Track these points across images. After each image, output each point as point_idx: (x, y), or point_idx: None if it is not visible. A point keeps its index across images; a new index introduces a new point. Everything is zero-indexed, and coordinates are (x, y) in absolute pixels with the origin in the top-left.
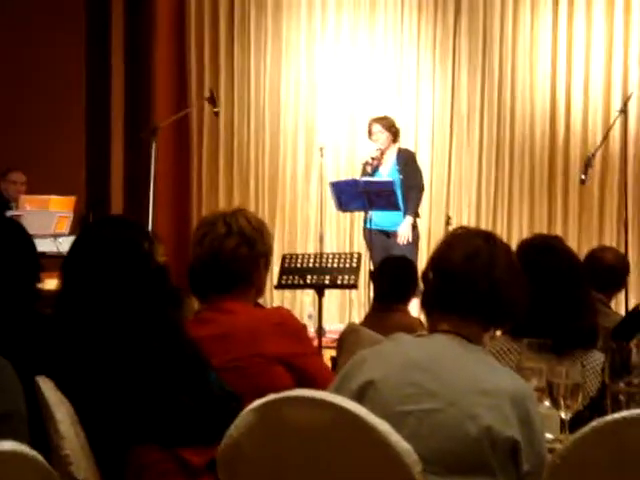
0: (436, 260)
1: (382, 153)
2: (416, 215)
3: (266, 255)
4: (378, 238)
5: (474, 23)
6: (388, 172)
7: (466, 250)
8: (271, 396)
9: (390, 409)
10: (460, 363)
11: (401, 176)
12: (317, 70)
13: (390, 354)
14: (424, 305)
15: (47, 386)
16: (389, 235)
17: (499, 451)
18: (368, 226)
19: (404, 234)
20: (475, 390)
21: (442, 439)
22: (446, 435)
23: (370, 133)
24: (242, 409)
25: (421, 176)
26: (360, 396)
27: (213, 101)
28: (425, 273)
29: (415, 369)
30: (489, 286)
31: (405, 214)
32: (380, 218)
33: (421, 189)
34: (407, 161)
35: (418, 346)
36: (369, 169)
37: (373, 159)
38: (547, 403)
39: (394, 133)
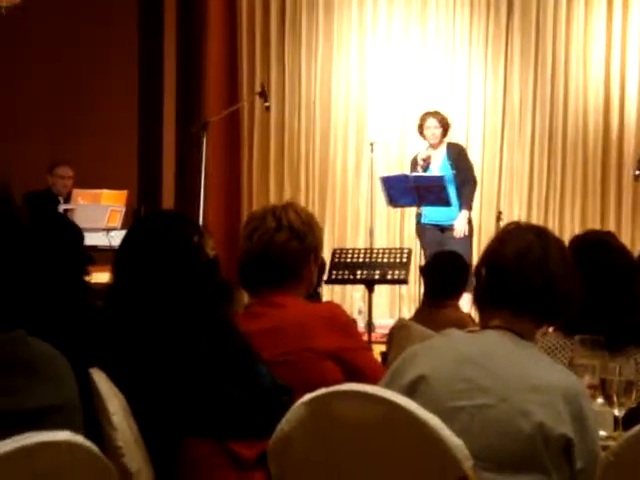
0: (488, 255)
1: (434, 148)
2: (470, 209)
3: (316, 249)
4: (432, 233)
5: (527, 19)
6: (439, 167)
7: (518, 245)
8: (321, 390)
9: (442, 404)
10: (512, 359)
11: (454, 171)
12: (368, 65)
13: (441, 349)
14: (476, 300)
15: (100, 378)
16: (443, 230)
17: (552, 448)
18: (422, 221)
19: (460, 228)
20: (527, 386)
21: (494, 435)
22: (498, 431)
23: (422, 127)
24: (293, 403)
25: (473, 170)
26: (411, 391)
27: (264, 96)
28: (478, 268)
29: (467, 364)
30: (542, 282)
31: (461, 208)
32: (434, 213)
33: (475, 183)
34: (459, 155)
35: (470, 341)
36: (420, 170)
37: (424, 160)
38: (600, 400)
39: (446, 129)
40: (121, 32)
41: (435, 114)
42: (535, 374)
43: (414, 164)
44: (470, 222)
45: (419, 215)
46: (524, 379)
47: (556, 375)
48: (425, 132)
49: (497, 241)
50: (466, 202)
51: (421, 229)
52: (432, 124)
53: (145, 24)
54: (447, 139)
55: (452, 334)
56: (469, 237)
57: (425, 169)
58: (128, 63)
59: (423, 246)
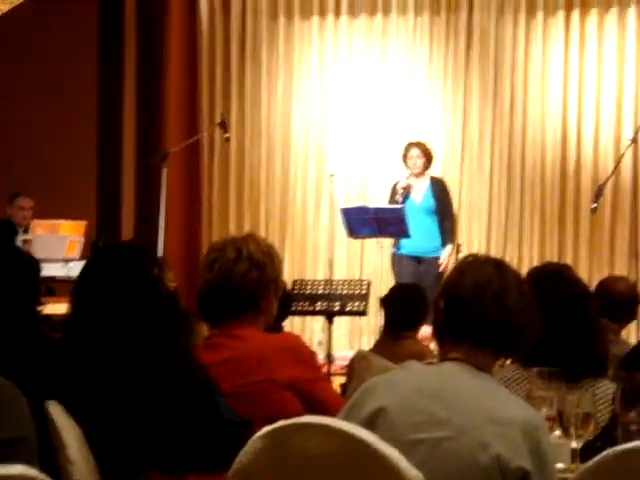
0: (447, 288)
1: (416, 177)
2: (454, 243)
3: (276, 280)
4: (409, 264)
5: (485, 52)
6: (421, 199)
7: (477, 278)
8: (280, 423)
9: (401, 437)
10: (471, 392)
11: (435, 204)
12: (328, 97)
13: (401, 382)
14: (435, 333)
15: (56, 410)
16: (420, 261)
17: None
18: (398, 251)
19: (444, 263)
20: (486, 419)
21: (453, 468)
22: (457, 464)
23: (405, 157)
24: (252, 435)
25: (453, 205)
26: (371, 423)
27: (224, 127)
28: (436, 300)
29: (426, 397)
30: (499, 314)
31: (445, 243)
32: (413, 244)
33: (454, 217)
34: (442, 190)
35: (429, 374)
36: (399, 199)
37: (403, 189)
38: (558, 432)
39: (429, 159)
40: (81, 64)
41: (418, 144)
42: (493, 407)
43: (393, 192)
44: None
45: (397, 245)
46: (483, 412)
47: (514, 408)
48: (408, 161)
49: (456, 273)
50: (450, 237)
51: (397, 259)
52: (415, 153)
53: (105, 56)
54: (430, 171)
55: (411, 366)
56: (444, 272)
57: (405, 198)
58: (88, 95)
59: (397, 276)
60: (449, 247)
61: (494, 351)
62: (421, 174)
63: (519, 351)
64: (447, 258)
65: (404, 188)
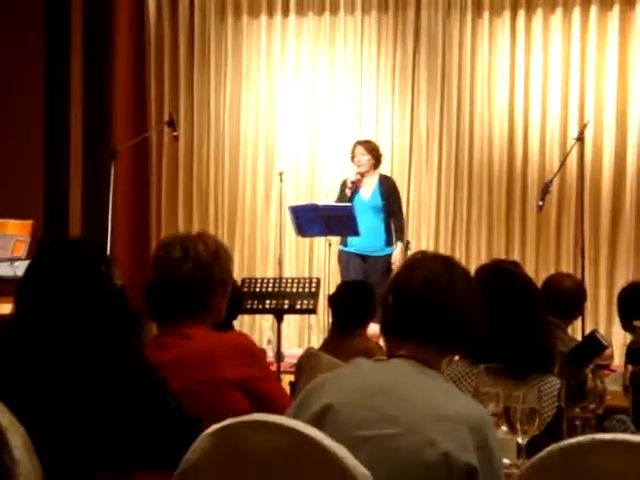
0: (395, 284)
1: (362, 176)
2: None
3: (223, 280)
4: (355, 262)
5: (433, 51)
6: (369, 196)
7: (425, 275)
8: (228, 421)
9: (349, 434)
10: (419, 389)
11: (383, 201)
12: (276, 95)
13: (349, 379)
14: (383, 329)
15: (1, 410)
16: (366, 259)
17: (456, 477)
18: (345, 249)
19: (396, 260)
20: (433, 416)
21: (401, 465)
22: (404, 461)
23: (353, 155)
24: (201, 434)
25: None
26: (319, 420)
27: (173, 125)
28: (385, 297)
29: (374, 394)
30: (447, 311)
31: (394, 241)
32: (358, 242)
33: (404, 216)
34: (391, 188)
35: (377, 371)
36: (348, 193)
37: (353, 183)
38: (504, 428)
39: (376, 157)
40: (26, 62)
41: (364, 143)
42: (441, 404)
43: (343, 186)
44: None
45: (345, 242)
46: (430, 409)
47: (462, 405)
48: (354, 160)
49: (404, 270)
50: (400, 234)
51: (344, 256)
52: (359, 152)
53: (51, 54)
54: (379, 170)
55: (360, 363)
56: (390, 267)
57: (353, 193)
58: (34, 93)
59: (343, 273)
60: (400, 245)
61: (442, 348)
62: (368, 172)
63: (466, 347)
64: (398, 256)
65: (353, 182)
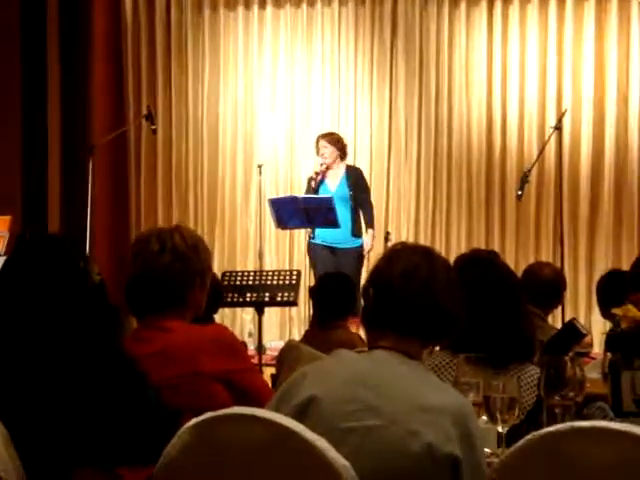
0: (375, 276)
1: (327, 168)
2: (374, 228)
3: (202, 272)
4: (323, 253)
5: (410, 42)
6: (336, 187)
7: (405, 266)
8: (208, 414)
9: (333, 425)
10: (401, 380)
11: (351, 192)
12: (255, 87)
13: (331, 370)
14: (364, 320)
15: None
16: (334, 251)
17: (440, 468)
18: (314, 241)
19: (368, 247)
20: (416, 407)
21: (385, 456)
22: (389, 452)
23: (317, 149)
24: (181, 427)
25: (370, 192)
26: (301, 412)
27: (151, 119)
28: (365, 288)
29: (357, 385)
30: (427, 303)
31: (367, 228)
32: (325, 234)
33: (372, 206)
34: (358, 178)
35: (359, 362)
36: (313, 184)
37: (317, 174)
38: (484, 417)
39: (340, 149)
40: (2, 58)
41: (326, 135)
42: (423, 394)
43: (309, 181)
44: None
45: (312, 235)
46: (413, 399)
47: (445, 395)
48: (319, 153)
49: (384, 261)
50: (370, 222)
51: (312, 248)
52: (322, 145)
53: (27, 50)
54: (346, 161)
55: (342, 355)
56: (361, 258)
57: (319, 184)
58: (11, 88)
59: (313, 265)
60: (370, 231)
61: (422, 339)
62: (334, 163)
63: (447, 338)
64: (369, 242)
65: (317, 173)
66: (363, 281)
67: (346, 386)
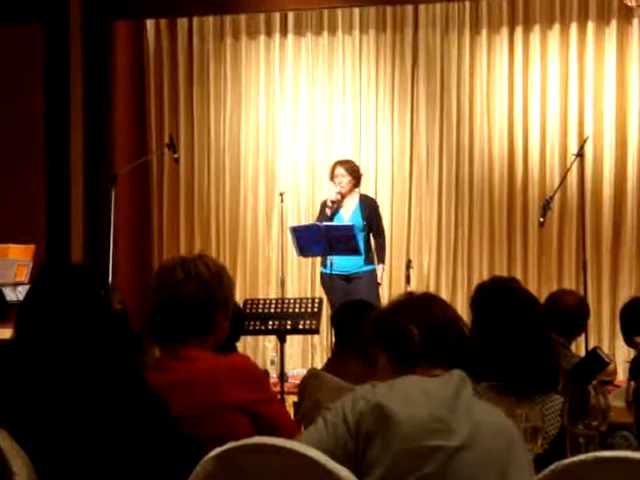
0: (419, 316)
1: (343, 197)
2: (384, 262)
3: (225, 301)
4: (338, 283)
5: (431, 68)
6: (350, 216)
7: (444, 308)
8: (230, 444)
9: (413, 443)
10: (471, 403)
11: (364, 221)
12: (276, 116)
13: (407, 388)
14: (405, 359)
15: (2, 436)
16: (349, 279)
17: None
18: (328, 271)
19: (379, 281)
20: (493, 430)
21: (467, 478)
22: (470, 475)
23: (332, 176)
24: (202, 457)
25: (382, 221)
26: (375, 418)
27: (173, 147)
28: (405, 329)
29: (439, 406)
30: (468, 339)
31: (378, 262)
32: (341, 262)
33: (384, 235)
34: (372, 208)
35: (432, 382)
36: (328, 212)
37: (333, 202)
38: None
39: (356, 178)
40: (26, 87)
41: (344, 163)
42: (495, 418)
43: (323, 207)
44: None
45: (325, 264)
46: (487, 422)
47: (504, 418)
48: (334, 180)
49: (423, 303)
50: (381, 256)
51: (328, 278)
52: (339, 172)
53: (51, 78)
54: (359, 189)
55: (411, 377)
56: (375, 287)
57: (334, 213)
58: (35, 118)
59: (329, 295)
60: (381, 266)
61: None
62: (348, 192)
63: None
64: (380, 276)
65: (333, 202)
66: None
67: (428, 405)
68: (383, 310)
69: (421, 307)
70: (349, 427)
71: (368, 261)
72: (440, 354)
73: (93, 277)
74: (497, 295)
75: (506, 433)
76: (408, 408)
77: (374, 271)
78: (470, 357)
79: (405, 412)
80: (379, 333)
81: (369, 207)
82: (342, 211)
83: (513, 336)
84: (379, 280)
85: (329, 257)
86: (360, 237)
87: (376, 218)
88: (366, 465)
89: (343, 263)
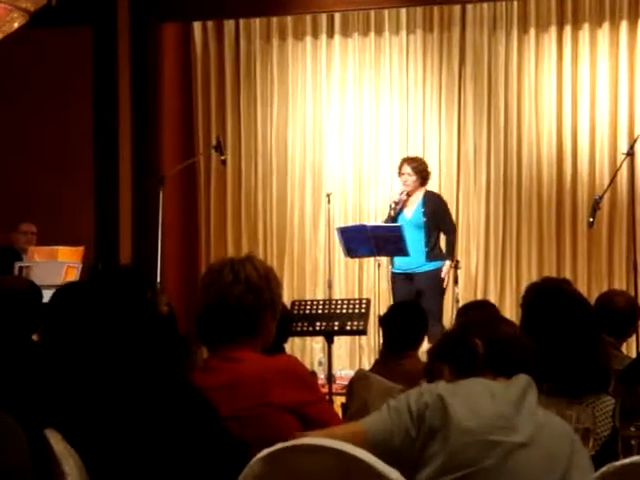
0: (482, 330)
1: (408, 195)
2: (453, 258)
3: (273, 303)
4: (402, 282)
5: (479, 68)
6: (412, 213)
7: (504, 321)
8: (279, 445)
9: (476, 437)
10: (536, 407)
11: (424, 218)
12: (323, 116)
13: (471, 386)
14: (467, 369)
15: (55, 438)
16: (412, 277)
17: None
18: (393, 270)
19: (445, 278)
20: (554, 431)
21: (526, 476)
22: (529, 473)
23: (400, 172)
24: (250, 459)
25: (452, 218)
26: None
27: (220, 149)
28: (470, 341)
29: (505, 404)
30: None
31: (448, 257)
32: (403, 260)
33: (455, 230)
34: (437, 205)
35: (497, 384)
36: (392, 213)
37: (396, 204)
38: None
39: (423, 177)
40: (75, 91)
41: (411, 160)
42: (554, 419)
43: (390, 207)
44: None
45: (392, 263)
46: (551, 426)
47: (559, 419)
48: (401, 177)
49: (489, 320)
50: (449, 251)
51: (393, 278)
52: (406, 171)
53: (99, 81)
54: (426, 187)
55: (476, 379)
56: (439, 285)
57: (398, 213)
58: (83, 119)
59: (393, 294)
60: (448, 262)
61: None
62: (414, 191)
63: None
64: (445, 272)
65: (396, 203)
66: (448, 305)
67: (493, 402)
68: (449, 329)
69: (486, 324)
70: (412, 415)
71: (431, 258)
72: (505, 366)
73: (140, 279)
74: (548, 296)
75: (569, 438)
76: (471, 405)
77: (439, 269)
78: (534, 370)
79: (467, 408)
80: (444, 348)
81: (433, 204)
82: (406, 209)
83: (564, 337)
84: (442, 275)
85: (395, 257)
86: (421, 234)
87: (442, 214)
88: (424, 458)
89: (405, 261)
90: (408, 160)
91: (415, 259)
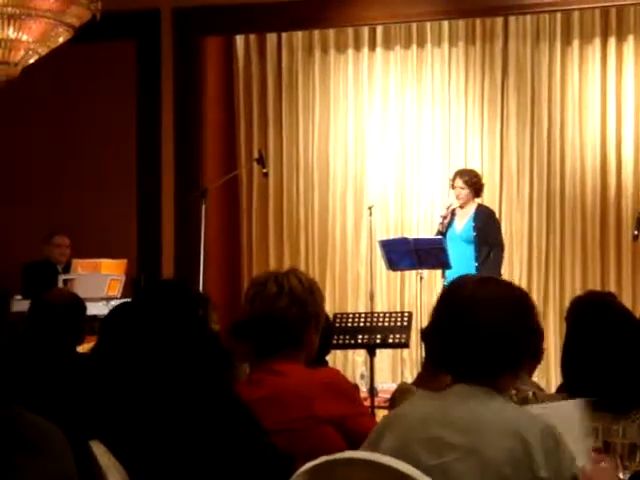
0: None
1: (461, 207)
2: (499, 275)
3: (317, 316)
4: None
5: (522, 79)
6: (462, 227)
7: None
8: (323, 458)
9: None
10: (479, 412)
11: (474, 233)
12: (365, 128)
13: (407, 415)
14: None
15: (100, 451)
16: None
17: None
18: (445, 283)
19: None
20: (498, 434)
21: None
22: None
23: (452, 185)
24: (294, 472)
25: (500, 234)
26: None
27: (262, 162)
28: None
29: (434, 425)
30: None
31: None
32: (452, 274)
33: (502, 248)
34: (486, 219)
35: (433, 402)
36: (440, 228)
37: (444, 217)
38: (604, 463)
39: (476, 190)
40: (118, 104)
41: (463, 173)
42: (507, 420)
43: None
44: None
45: (444, 277)
46: (491, 426)
47: (524, 420)
48: (453, 191)
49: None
50: (495, 268)
51: None
52: (458, 184)
53: (143, 95)
54: (480, 200)
55: (416, 396)
56: None
57: (447, 226)
58: (126, 131)
59: None
60: None
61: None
62: (466, 204)
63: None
64: None
65: (443, 217)
66: None
67: (422, 427)
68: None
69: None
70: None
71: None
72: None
73: (192, 296)
74: (593, 310)
75: (526, 436)
76: (407, 436)
77: None
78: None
79: (405, 440)
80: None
81: (483, 218)
82: (456, 222)
83: (609, 351)
84: None
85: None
86: (471, 248)
87: (489, 228)
88: None
89: (454, 275)
90: (460, 173)
91: (463, 273)
